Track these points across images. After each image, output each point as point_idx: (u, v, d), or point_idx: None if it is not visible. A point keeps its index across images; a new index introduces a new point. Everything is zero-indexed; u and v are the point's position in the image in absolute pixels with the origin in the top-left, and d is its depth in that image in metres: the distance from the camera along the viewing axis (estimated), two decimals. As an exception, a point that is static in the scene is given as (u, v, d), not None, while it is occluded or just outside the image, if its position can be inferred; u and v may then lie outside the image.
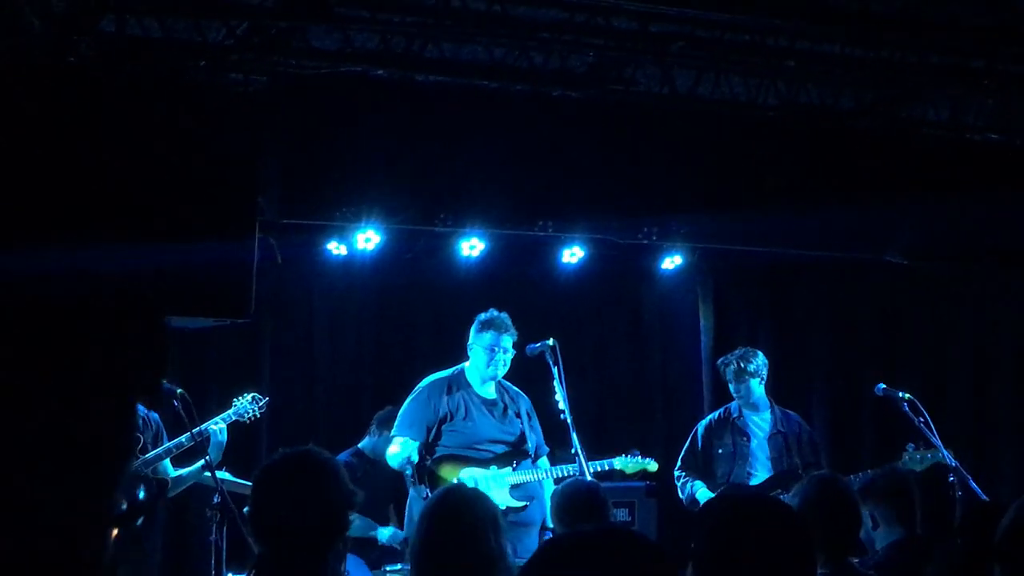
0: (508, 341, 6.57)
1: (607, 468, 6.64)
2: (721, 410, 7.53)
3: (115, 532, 6.01)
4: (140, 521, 6.22)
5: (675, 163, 7.66)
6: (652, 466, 6.85)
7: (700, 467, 7.34)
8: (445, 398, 6.56)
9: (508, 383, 6.77)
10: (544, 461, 6.68)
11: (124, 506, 6.17)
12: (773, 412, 7.41)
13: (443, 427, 6.53)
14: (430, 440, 6.52)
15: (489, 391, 6.65)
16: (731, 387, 7.39)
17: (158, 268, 5.82)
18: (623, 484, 7.39)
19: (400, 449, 6.50)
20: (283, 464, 3.33)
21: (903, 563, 4.46)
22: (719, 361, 7.56)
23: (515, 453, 6.55)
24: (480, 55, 7.04)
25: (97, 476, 1.20)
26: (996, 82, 7.59)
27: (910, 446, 6.95)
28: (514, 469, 6.50)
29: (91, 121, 5.94)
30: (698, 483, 7.25)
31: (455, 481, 6.23)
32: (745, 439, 7.32)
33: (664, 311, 9.14)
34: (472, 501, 3.74)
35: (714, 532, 2.60)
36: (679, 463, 7.40)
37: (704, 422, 7.51)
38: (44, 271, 5.29)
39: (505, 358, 6.57)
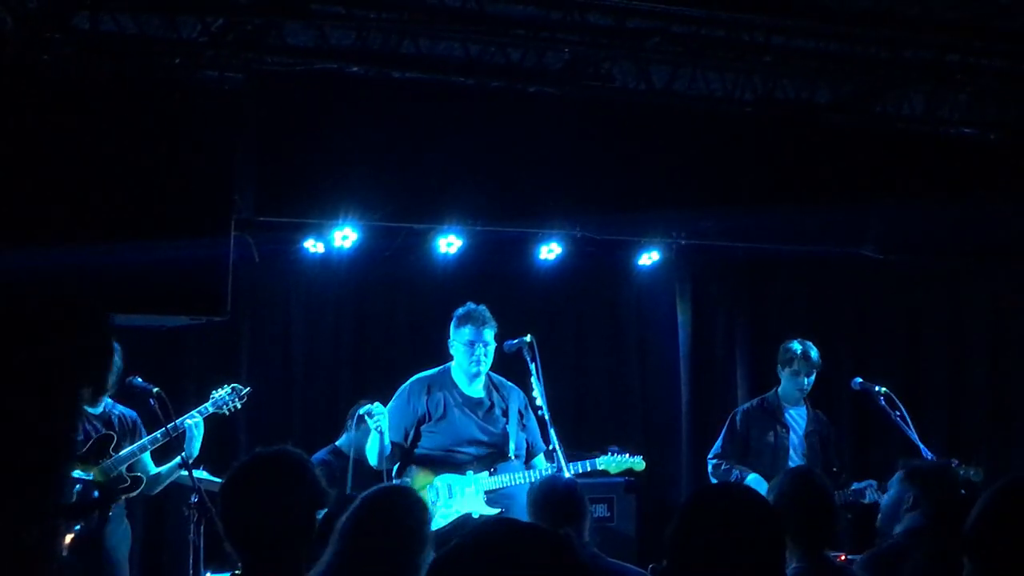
0: (489, 334, 6.45)
1: (591, 469, 6.51)
2: (757, 400, 7.49)
3: (69, 536, 5.93)
4: (96, 520, 6.16)
5: (652, 159, 7.66)
6: (639, 465, 6.70)
7: (740, 454, 7.29)
8: (425, 398, 6.47)
9: (502, 379, 6.63)
10: (540, 460, 6.53)
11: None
12: (808, 409, 7.39)
13: (421, 428, 6.44)
14: (408, 443, 6.44)
15: (476, 389, 6.52)
16: (798, 380, 7.24)
17: (133, 266, 5.80)
18: (602, 480, 7.38)
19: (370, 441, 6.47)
20: (252, 465, 3.30)
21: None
22: (790, 352, 7.33)
23: (495, 456, 6.42)
24: (456, 51, 7.03)
25: (46, 468, 1.20)
26: (970, 76, 7.62)
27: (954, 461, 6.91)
28: (492, 474, 6.38)
29: (65, 119, 5.90)
30: (745, 469, 7.12)
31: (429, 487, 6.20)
32: (786, 431, 7.28)
33: (642, 307, 9.15)
34: (403, 509, 3.71)
35: (683, 523, 2.61)
36: (717, 450, 7.32)
37: (742, 409, 7.45)
38: (13, 270, 5.27)
39: (487, 351, 6.44)
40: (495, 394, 6.55)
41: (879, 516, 4.93)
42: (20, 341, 1.27)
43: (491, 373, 6.56)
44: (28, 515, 1.24)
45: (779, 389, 7.39)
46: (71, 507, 5.94)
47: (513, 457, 6.45)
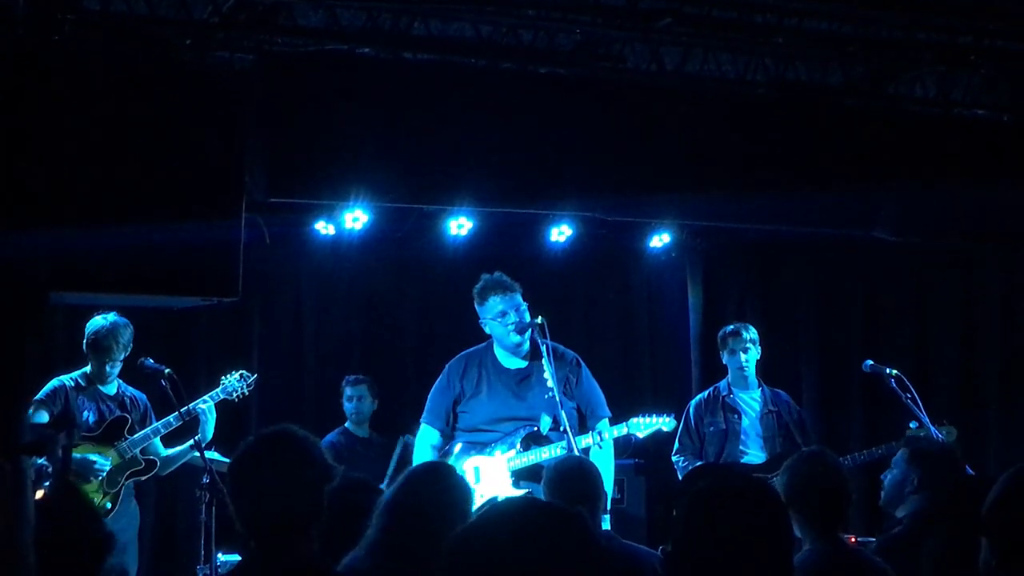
0: (517, 297, 6.26)
1: (620, 434, 6.31)
2: (711, 388, 7.50)
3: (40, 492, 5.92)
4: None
5: (663, 141, 7.62)
6: (669, 425, 6.50)
7: (697, 445, 7.30)
8: (461, 376, 6.37)
9: (555, 345, 6.32)
10: (604, 425, 6.31)
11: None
12: (763, 391, 7.39)
13: (456, 408, 6.35)
14: (449, 426, 6.35)
15: (516, 360, 6.34)
16: (735, 358, 7.29)
17: (145, 247, 5.81)
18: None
19: (417, 440, 6.39)
20: (257, 445, 3.30)
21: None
22: (721, 332, 7.46)
23: (527, 431, 6.25)
24: (467, 32, 7.00)
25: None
26: (983, 58, 7.58)
27: (913, 424, 6.92)
28: (523, 450, 6.22)
29: (75, 101, 5.90)
30: (696, 465, 7.18)
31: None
32: (736, 416, 7.28)
33: (652, 289, 9.16)
34: (443, 485, 3.71)
35: (691, 508, 2.61)
36: (676, 446, 7.33)
37: (694, 401, 7.47)
38: (23, 251, 5.28)
39: (521, 314, 6.23)
40: (542, 362, 6.15)
41: (882, 494, 4.95)
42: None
43: (548, 341, 6.17)
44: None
45: (728, 376, 7.40)
46: (28, 444, 5.90)
47: (548, 431, 6.25)
